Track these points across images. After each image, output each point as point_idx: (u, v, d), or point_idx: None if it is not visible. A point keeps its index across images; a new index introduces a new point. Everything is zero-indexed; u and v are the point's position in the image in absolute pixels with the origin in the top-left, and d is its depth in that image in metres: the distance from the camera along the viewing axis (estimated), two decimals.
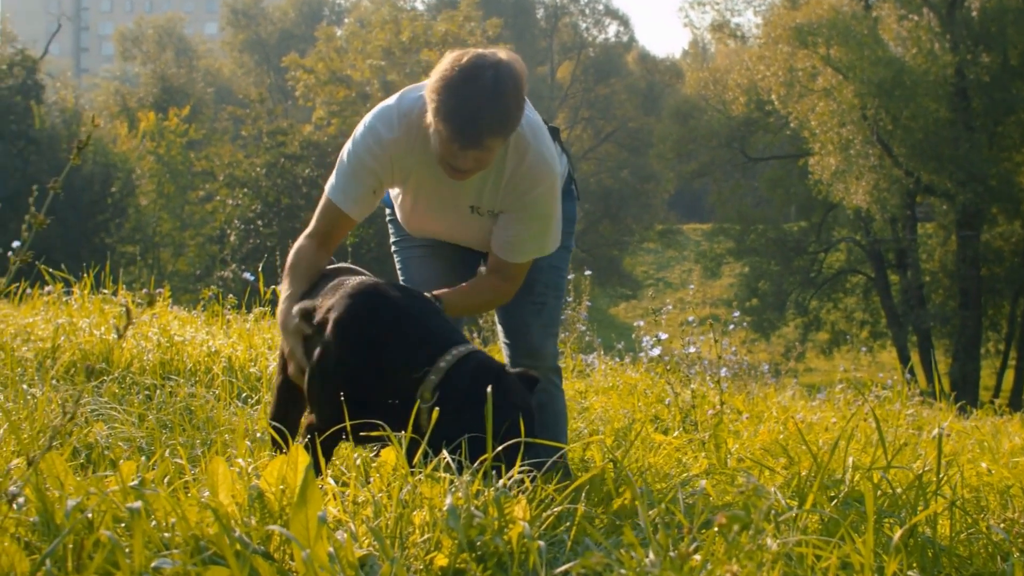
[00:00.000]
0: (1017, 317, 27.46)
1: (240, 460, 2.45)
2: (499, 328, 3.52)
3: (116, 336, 4.31)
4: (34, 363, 4.16)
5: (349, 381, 2.71)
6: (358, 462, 2.64)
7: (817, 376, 25.99)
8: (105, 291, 5.73)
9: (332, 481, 2.39)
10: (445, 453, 2.39)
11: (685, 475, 3.18)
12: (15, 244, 5.56)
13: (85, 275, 5.79)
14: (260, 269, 6.36)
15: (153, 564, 1.81)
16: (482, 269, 3.27)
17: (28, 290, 5.87)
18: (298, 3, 53.63)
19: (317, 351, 2.79)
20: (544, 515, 2.33)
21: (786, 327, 30.58)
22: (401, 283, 3.42)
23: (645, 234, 40.91)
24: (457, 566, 2.08)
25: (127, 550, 1.85)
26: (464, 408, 2.56)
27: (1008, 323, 27.74)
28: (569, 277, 5.37)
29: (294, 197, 29.19)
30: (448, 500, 2.12)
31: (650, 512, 2.49)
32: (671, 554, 1.87)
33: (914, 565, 2.39)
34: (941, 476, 2.75)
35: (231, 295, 6.31)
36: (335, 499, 2.31)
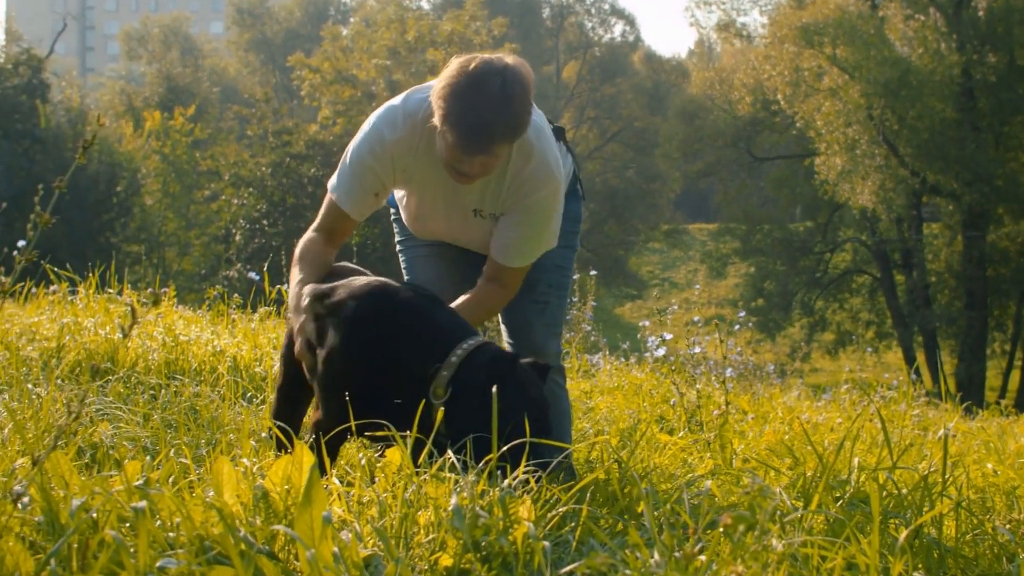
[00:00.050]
0: (1023, 317, 27.41)
1: (245, 460, 2.46)
2: (503, 328, 3.51)
3: (121, 335, 4.31)
4: (39, 362, 4.17)
5: (360, 380, 2.71)
6: (363, 462, 2.63)
7: (823, 376, 25.99)
8: (110, 290, 5.74)
9: (337, 481, 2.39)
10: (450, 453, 2.39)
11: (690, 475, 3.18)
12: (20, 243, 5.58)
13: (90, 274, 5.79)
14: (265, 269, 6.36)
15: (158, 564, 1.81)
16: (480, 281, 3.26)
17: (33, 289, 5.88)
18: (304, 2, 53.66)
19: (326, 348, 2.79)
20: (549, 515, 2.32)
21: (792, 327, 30.55)
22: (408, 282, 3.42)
23: (651, 234, 40.87)
24: (462, 566, 2.08)
25: (132, 550, 1.85)
26: (480, 404, 2.54)
27: (1014, 324, 27.68)
28: (574, 277, 5.37)
29: (299, 196, 29.20)
30: (453, 500, 2.11)
31: (655, 512, 2.49)
32: (676, 554, 1.86)
33: (920, 566, 2.38)
34: (947, 477, 2.74)
35: (236, 295, 6.31)
36: (340, 499, 2.31)
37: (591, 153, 42.21)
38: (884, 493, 2.80)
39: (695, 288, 36.35)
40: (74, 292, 5.69)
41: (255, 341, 4.98)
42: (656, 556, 1.89)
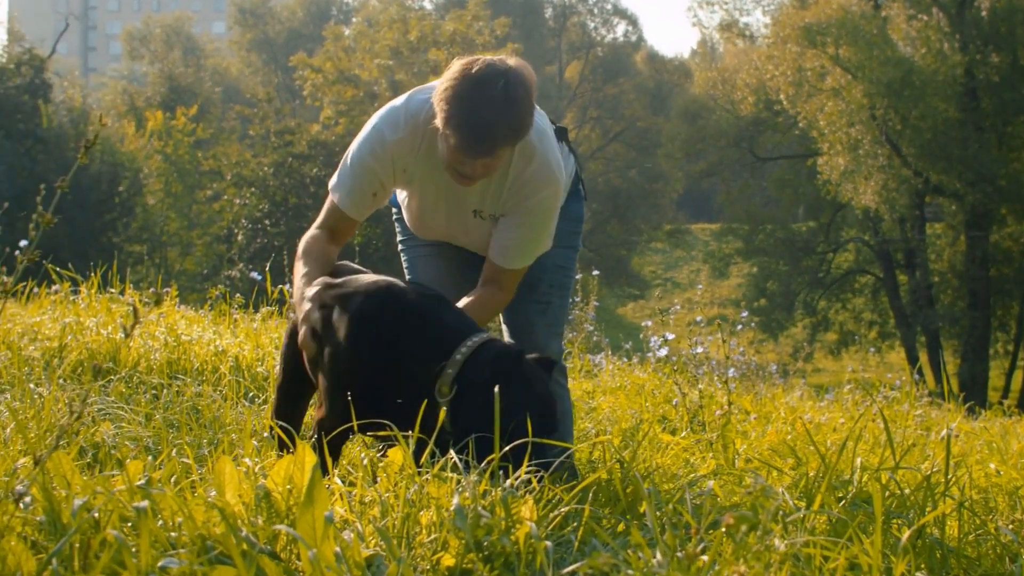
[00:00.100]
0: None
1: (247, 460, 2.45)
2: (504, 328, 3.51)
3: (123, 335, 4.31)
4: (41, 362, 4.17)
5: (366, 379, 2.71)
6: (365, 462, 2.63)
7: (825, 376, 25.97)
8: (112, 290, 5.74)
9: (339, 481, 2.39)
10: (452, 452, 2.39)
11: (692, 475, 3.17)
12: (23, 243, 5.59)
13: (92, 274, 5.79)
14: (267, 268, 6.37)
15: (160, 564, 1.81)
16: (479, 285, 3.25)
17: (35, 289, 5.88)
18: (306, 2, 53.68)
19: (333, 346, 2.78)
20: (551, 515, 2.32)
21: (794, 327, 30.54)
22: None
23: (653, 234, 40.85)
24: (464, 566, 2.07)
25: (134, 549, 1.85)
26: (485, 402, 2.53)
27: (1017, 324, 27.66)
28: (577, 277, 5.37)
29: (301, 196, 29.23)
30: (455, 500, 2.11)
31: (658, 512, 2.49)
32: (678, 554, 1.86)
33: (922, 566, 2.38)
34: (949, 477, 2.74)
35: (238, 294, 6.31)
36: (342, 499, 2.31)
37: (594, 153, 42.20)
38: (887, 493, 2.80)
39: (698, 288, 36.36)
40: (76, 292, 5.69)
41: (257, 341, 4.99)
42: (658, 556, 1.89)
